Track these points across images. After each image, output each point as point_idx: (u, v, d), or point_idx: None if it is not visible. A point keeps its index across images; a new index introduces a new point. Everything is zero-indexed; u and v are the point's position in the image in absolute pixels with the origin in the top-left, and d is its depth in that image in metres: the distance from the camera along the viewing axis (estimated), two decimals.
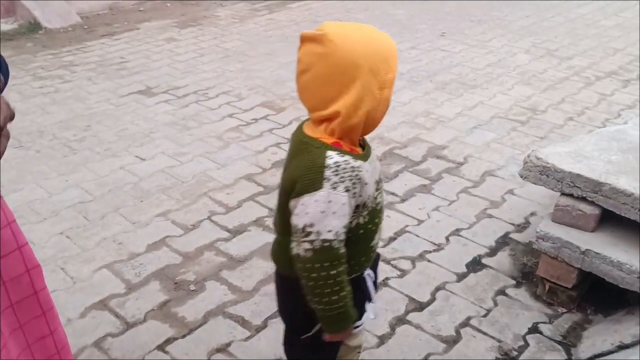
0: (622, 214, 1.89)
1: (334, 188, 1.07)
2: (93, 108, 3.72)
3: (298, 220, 1.10)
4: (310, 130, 1.16)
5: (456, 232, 2.50)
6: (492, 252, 2.37)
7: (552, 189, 2.07)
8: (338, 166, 1.08)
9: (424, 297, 2.11)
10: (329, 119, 1.11)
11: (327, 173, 1.07)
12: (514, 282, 2.20)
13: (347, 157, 1.10)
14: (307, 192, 1.08)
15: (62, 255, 2.34)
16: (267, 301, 2.10)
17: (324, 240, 1.09)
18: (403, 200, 2.72)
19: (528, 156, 2.14)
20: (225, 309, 2.07)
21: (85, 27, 5.50)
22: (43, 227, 2.52)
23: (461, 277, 2.22)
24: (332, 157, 1.09)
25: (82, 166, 3.01)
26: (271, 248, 1.34)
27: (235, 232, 2.50)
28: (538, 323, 2.00)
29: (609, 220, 1.99)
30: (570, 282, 2.00)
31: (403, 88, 3.97)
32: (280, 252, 1.25)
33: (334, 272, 1.12)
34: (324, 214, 1.07)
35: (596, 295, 2.08)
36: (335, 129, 1.11)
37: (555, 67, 4.38)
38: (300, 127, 1.20)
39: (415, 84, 4.07)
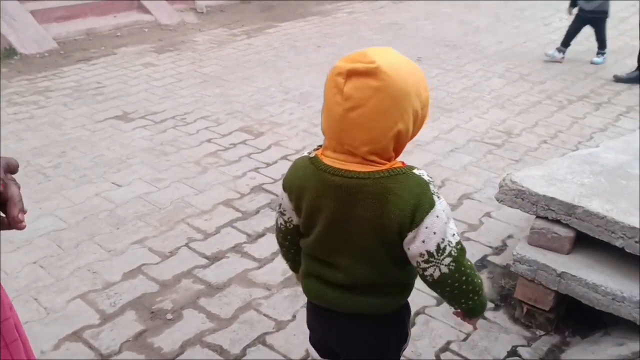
0: (596, 237, 1.92)
1: (439, 197, 1.10)
2: (68, 134, 3.68)
3: (427, 245, 1.08)
4: (364, 167, 1.09)
5: None
6: None
7: (528, 212, 2.09)
8: (430, 177, 1.11)
9: None
10: (381, 150, 1.08)
11: (432, 187, 1.10)
12: (492, 305, 2.21)
13: (422, 169, 1.13)
14: (426, 215, 1.07)
15: (35, 285, 2.28)
16: (245, 329, 2.07)
17: (457, 244, 1.11)
18: None
19: (503, 180, 2.17)
20: (203, 337, 2.03)
21: (62, 52, 5.47)
22: (16, 256, 2.46)
23: (440, 300, 2.22)
24: (422, 174, 1.11)
25: (56, 193, 2.96)
26: (347, 303, 1.21)
27: (214, 258, 2.47)
28: (517, 346, 2.01)
29: (584, 242, 2.02)
30: (547, 304, 2.02)
31: None
32: (379, 295, 1.20)
33: (470, 262, 1.17)
34: (446, 224, 1.09)
35: (573, 317, 2.10)
36: (392, 155, 1.11)
37: (529, 91, 4.47)
38: (341, 173, 1.10)
39: None
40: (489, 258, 2.49)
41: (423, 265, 1.11)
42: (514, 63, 5.13)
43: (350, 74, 1.03)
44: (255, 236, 2.63)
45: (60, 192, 2.97)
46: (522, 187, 2.08)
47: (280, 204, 1.26)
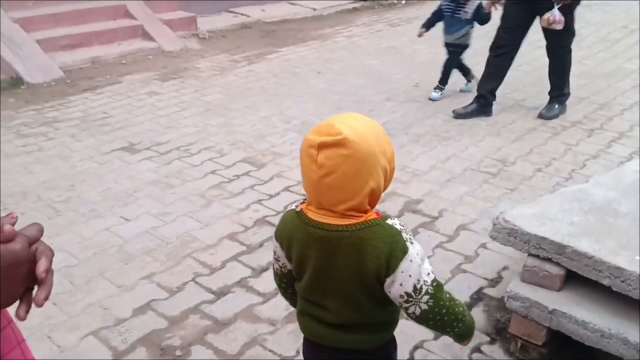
0: (585, 275, 2.02)
1: (412, 243, 1.24)
2: (77, 167, 3.79)
3: (405, 287, 1.23)
4: (343, 220, 1.22)
5: None
6: (467, 308, 2.46)
7: (520, 250, 2.19)
8: (402, 225, 1.25)
9: (403, 356, 2.19)
10: (357, 206, 1.21)
11: (404, 235, 1.23)
12: (488, 338, 2.30)
13: (395, 218, 1.27)
14: (400, 260, 1.21)
15: (48, 323, 2.38)
16: None
17: (432, 282, 1.25)
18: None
19: (497, 218, 2.27)
20: None
21: (68, 81, 5.60)
22: None
23: (438, 334, 2.31)
24: (395, 222, 1.24)
25: (66, 228, 3.06)
26: (336, 339, 1.35)
27: (220, 293, 2.57)
28: None
29: (574, 279, 2.11)
30: (540, 339, 2.11)
31: None
32: (365, 332, 1.34)
33: (448, 294, 1.30)
34: (420, 265, 1.24)
35: (566, 352, 2.19)
36: (368, 208, 1.24)
37: (523, 117, 4.59)
38: (322, 227, 1.23)
39: (391, 137, 4.15)
40: (484, 290, 2.58)
41: (405, 305, 1.26)
42: (509, 88, 5.23)
43: (321, 146, 1.17)
44: (259, 270, 2.72)
45: (70, 227, 3.07)
46: (515, 226, 2.18)
47: (275, 252, 1.42)
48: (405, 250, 1.21)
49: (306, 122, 4.46)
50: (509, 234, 2.20)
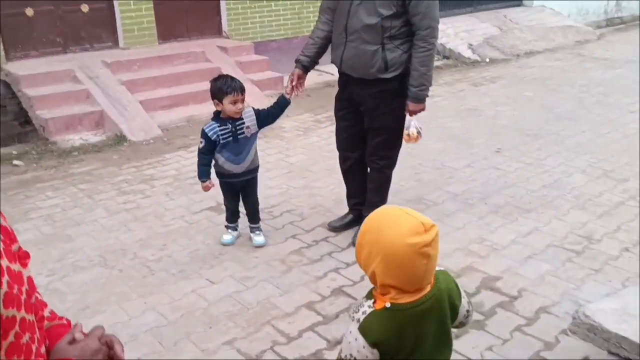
0: None
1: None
2: (169, 225, 4.08)
3: (465, 305, 1.66)
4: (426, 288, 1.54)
5: None
6: None
7: (600, 348, 2.15)
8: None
9: None
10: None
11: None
12: None
13: None
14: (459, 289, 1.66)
15: None
16: None
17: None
18: (456, 337, 2.81)
19: (577, 312, 2.25)
20: None
21: (165, 139, 6.06)
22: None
23: None
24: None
25: (158, 288, 3.30)
26: None
27: None
28: None
29: None
30: None
31: (457, 211, 4.14)
32: None
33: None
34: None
35: None
36: None
37: (611, 190, 4.44)
38: (424, 299, 1.49)
39: (469, 206, 4.23)
40: None
41: (467, 316, 1.68)
42: (597, 157, 5.10)
43: (432, 241, 1.40)
44: (334, 342, 2.80)
45: (161, 287, 3.31)
46: (595, 322, 2.15)
47: None
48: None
49: None
50: (588, 330, 2.17)
